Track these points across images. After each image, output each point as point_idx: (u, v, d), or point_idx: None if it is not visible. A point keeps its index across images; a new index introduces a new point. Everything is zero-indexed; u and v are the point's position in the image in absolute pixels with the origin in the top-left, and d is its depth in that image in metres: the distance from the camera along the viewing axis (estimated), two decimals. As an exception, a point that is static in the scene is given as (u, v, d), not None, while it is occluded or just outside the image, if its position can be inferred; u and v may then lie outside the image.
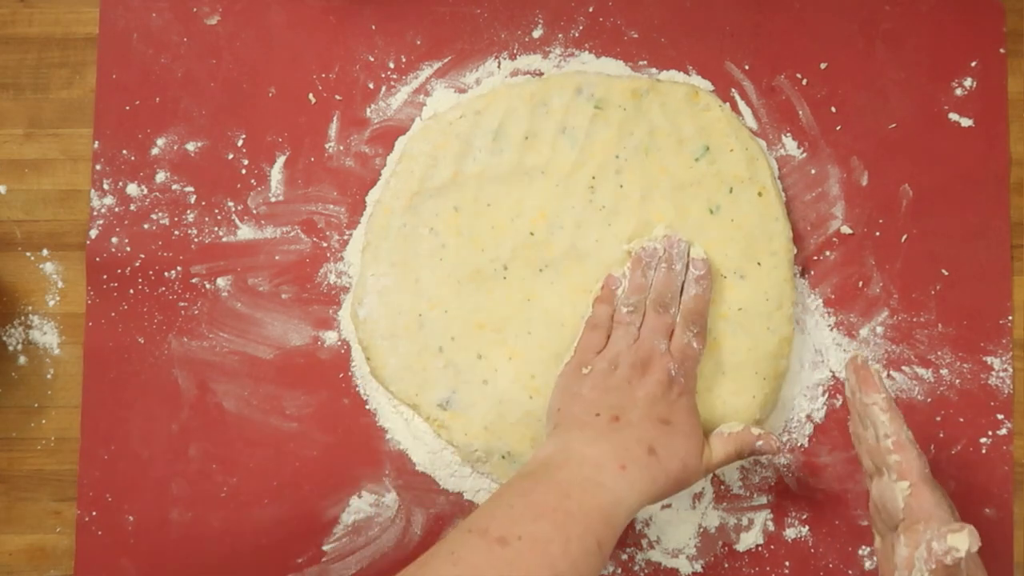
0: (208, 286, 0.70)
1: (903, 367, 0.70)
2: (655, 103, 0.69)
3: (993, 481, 0.69)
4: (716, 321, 0.67)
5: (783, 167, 0.71)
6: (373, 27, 0.72)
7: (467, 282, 0.68)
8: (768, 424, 0.69)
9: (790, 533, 0.69)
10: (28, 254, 0.71)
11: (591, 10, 0.71)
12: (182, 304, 0.70)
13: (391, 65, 0.71)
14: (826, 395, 0.70)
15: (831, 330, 0.70)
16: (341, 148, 0.71)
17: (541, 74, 0.71)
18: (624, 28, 0.71)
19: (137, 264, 0.70)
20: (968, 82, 0.71)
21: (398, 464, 0.70)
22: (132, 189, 0.71)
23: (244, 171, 0.71)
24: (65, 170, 0.71)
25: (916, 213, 0.70)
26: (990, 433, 0.69)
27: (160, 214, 0.71)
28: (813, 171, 0.71)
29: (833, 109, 0.71)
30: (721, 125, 0.69)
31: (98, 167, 0.71)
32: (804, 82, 0.71)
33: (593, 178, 0.68)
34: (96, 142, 0.71)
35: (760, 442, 0.63)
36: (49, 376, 0.70)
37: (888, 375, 0.70)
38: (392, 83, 0.71)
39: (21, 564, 0.70)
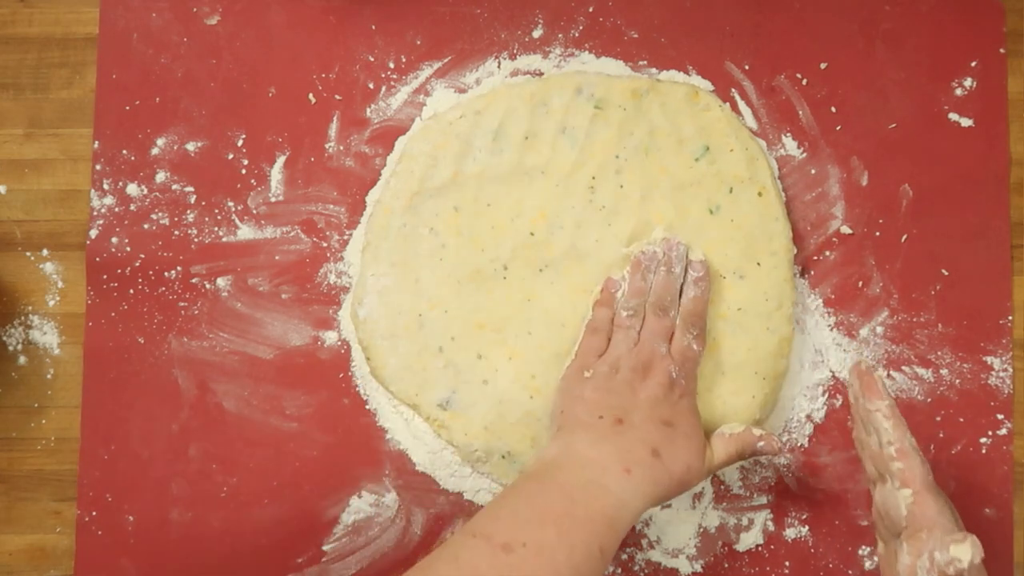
0: (208, 286, 0.70)
1: (903, 367, 0.70)
2: (655, 103, 0.69)
3: (993, 481, 0.69)
4: (716, 321, 0.67)
5: (783, 167, 0.71)
6: (373, 27, 0.72)
7: (467, 282, 0.68)
8: (768, 424, 0.69)
9: (790, 533, 0.69)
10: (28, 254, 0.71)
11: (591, 10, 0.71)
12: (182, 304, 0.70)
13: (391, 65, 0.71)
14: (826, 395, 0.70)
15: (831, 330, 0.70)
16: (341, 148, 0.71)
17: (541, 74, 0.71)
18: (624, 28, 0.71)
19: (137, 264, 0.70)
20: (968, 82, 0.71)
21: (398, 464, 0.70)
22: (132, 189, 0.71)
23: (244, 171, 0.71)
24: (65, 170, 0.71)
25: (916, 213, 0.70)
26: (990, 433, 0.69)
27: (160, 214, 0.71)
28: (813, 171, 0.71)
29: (833, 109, 0.71)
30: (721, 125, 0.69)
31: (98, 167, 0.71)
32: (804, 82, 0.71)
33: (593, 178, 0.68)
34: (96, 142, 0.71)
35: (761, 443, 0.63)
36: (49, 376, 0.70)
37: (888, 375, 0.70)
38: (392, 83, 0.71)
39: (21, 564, 0.70)
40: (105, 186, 0.71)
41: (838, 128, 0.71)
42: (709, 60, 0.71)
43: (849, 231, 0.70)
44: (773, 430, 0.69)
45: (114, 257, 0.70)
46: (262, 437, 0.69)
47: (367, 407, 0.70)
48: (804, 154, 0.71)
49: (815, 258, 0.70)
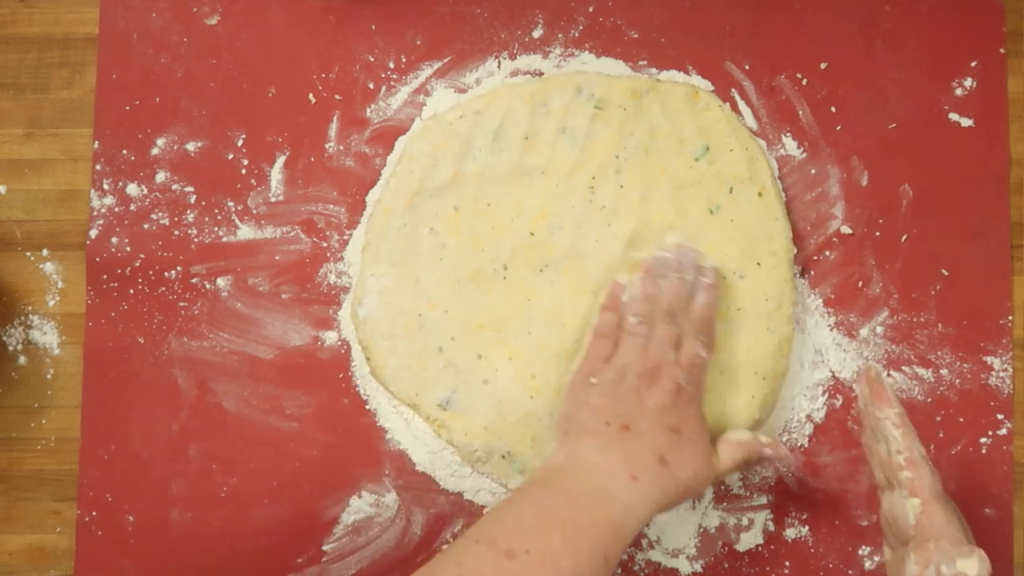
0: (208, 286, 0.70)
1: (903, 367, 0.70)
2: (655, 103, 0.69)
3: (993, 481, 0.69)
4: (715, 321, 0.67)
5: (783, 167, 0.71)
6: (373, 27, 0.72)
7: (467, 282, 0.68)
8: (768, 424, 0.69)
9: (790, 533, 0.69)
10: (28, 254, 0.71)
11: (591, 10, 0.71)
12: (182, 304, 0.70)
13: (391, 65, 0.71)
14: (826, 395, 0.70)
15: (831, 330, 0.70)
16: (341, 148, 0.71)
17: (541, 74, 0.71)
18: (624, 28, 0.71)
19: (137, 264, 0.70)
20: (968, 82, 0.71)
21: (398, 464, 0.70)
22: (132, 189, 0.71)
23: (244, 171, 0.71)
24: (65, 170, 0.71)
25: (916, 213, 0.70)
26: (990, 433, 0.69)
27: (160, 214, 0.71)
28: (813, 171, 0.71)
29: (833, 109, 0.71)
30: (721, 125, 0.69)
31: (98, 167, 0.71)
32: (804, 82, 0.71)
33: (593, 178, 0.68)
34: (96, 142, 0.71)
35: (768, 450, 0.63)
36: (49, 376, 0.70)
37: (888, 375, 0.70)
38: (392, 83, 0.71)
39: (21, 564, 0.70)
40: (105, 186, 0.71)
41: (838, 128, 0.71)
42: (709, 60, 0.71)
43: (849, 231, 0.70)
44: (773, 430, 0.69)
45: (114, 257, 0.70)
46: (262, 437, 0.69)
47: (367, 407, 0.70)
48: (804, 154, 0.71)
49: (815, 258, 0.70)
